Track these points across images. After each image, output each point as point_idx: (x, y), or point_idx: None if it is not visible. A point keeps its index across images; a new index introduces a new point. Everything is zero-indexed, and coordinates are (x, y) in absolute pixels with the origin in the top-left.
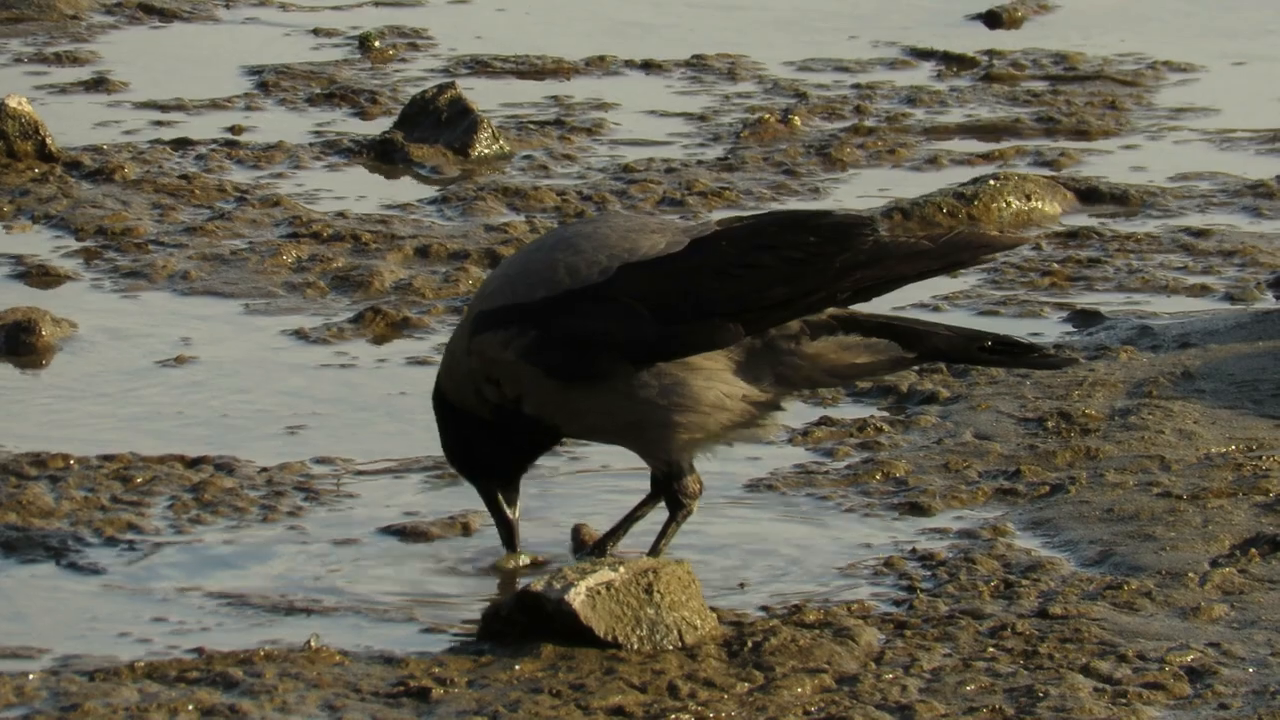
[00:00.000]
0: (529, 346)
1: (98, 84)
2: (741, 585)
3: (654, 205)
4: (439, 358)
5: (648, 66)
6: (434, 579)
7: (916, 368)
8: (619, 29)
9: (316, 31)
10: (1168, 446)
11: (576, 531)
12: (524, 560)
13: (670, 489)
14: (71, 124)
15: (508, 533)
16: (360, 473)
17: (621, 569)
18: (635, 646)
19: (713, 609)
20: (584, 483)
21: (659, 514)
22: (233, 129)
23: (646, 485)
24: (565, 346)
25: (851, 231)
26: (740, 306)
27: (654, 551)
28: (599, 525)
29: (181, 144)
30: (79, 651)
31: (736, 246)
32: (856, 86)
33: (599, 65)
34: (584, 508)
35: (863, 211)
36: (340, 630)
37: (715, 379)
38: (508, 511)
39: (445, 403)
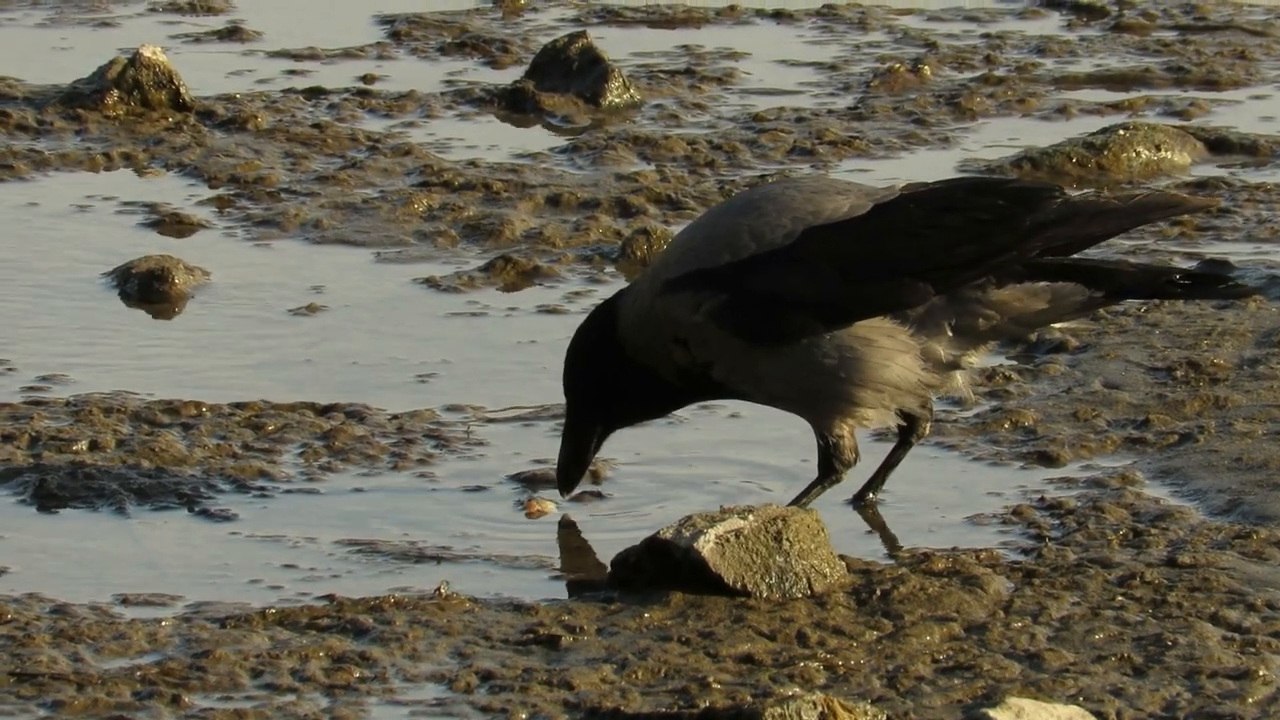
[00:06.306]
0: (719, 308)
1: (231, 33)
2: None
3: (784, 155)
4: (569, 306)
5: (778, 16)
6: (563, 526)
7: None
8: None
9: None
10: None
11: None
12: (550, 507)
13: (828, 456)
14: (205, 73)
15: (579, 475)
16: (490, 420)
17: (750, 517)
18: (764, 594)
19: (841, 557)
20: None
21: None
22: (365, 78)
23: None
24: (755, 307)
25: (1040, 194)
26: (929, 265)
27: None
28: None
29: (314, 93)
30: (210, 598)
31: (924, 209)
32: (986, 36)
33: (730, 15)
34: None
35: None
36: (470, 578)
37: (894, 359)
38: (592, 458)
39: (610, 350)
